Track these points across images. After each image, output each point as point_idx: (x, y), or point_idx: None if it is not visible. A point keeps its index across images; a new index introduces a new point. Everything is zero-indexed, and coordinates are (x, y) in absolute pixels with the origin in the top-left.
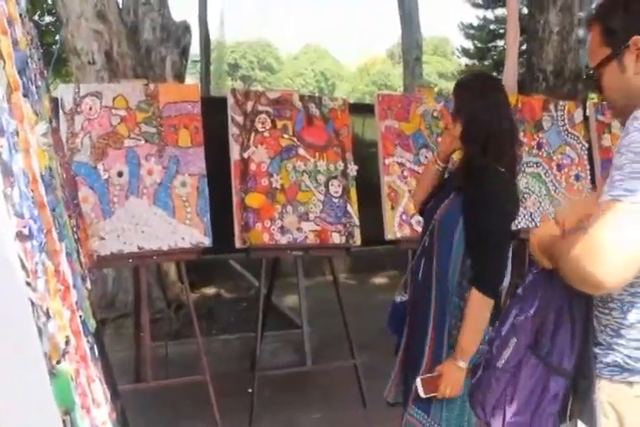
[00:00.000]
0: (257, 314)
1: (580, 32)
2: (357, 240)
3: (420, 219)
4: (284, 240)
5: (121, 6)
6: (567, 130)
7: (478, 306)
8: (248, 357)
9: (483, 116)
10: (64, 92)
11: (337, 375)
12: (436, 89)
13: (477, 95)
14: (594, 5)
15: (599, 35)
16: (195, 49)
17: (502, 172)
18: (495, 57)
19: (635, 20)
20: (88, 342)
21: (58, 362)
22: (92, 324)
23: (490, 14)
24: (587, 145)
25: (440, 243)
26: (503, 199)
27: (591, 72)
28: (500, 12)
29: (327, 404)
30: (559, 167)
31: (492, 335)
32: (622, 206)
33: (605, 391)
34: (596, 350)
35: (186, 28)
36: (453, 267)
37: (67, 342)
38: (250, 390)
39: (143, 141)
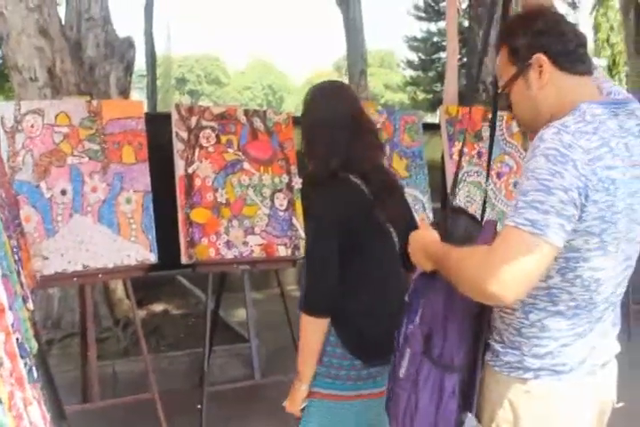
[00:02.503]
0: (205, 329)
1: None
2: (303, 252)
3: None
4: (230, 255)
5: (63, 22)
6: (506, 139)
7: (304, 326)
8: (197, 372)
9: (312, 130)
10: (4, 109)
11: (286, 388)
12: (382, 100)
13: (309, 110)
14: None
15: (506, 54)
16: (141, 64)
17: (343, 181)
18: (439, 68)
19: (535, 39)
20: (26, 364)
21: None
22: (33, 345)
23: (433, 27)
24: (524, 153)
25: None
26: (325, 212)
27: (500, 91)
28: (442, 24)
29: (277, 417)
30: (499, 175)
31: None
32: (522, 235)
33: (503, 386)
34: (498, 347)
35: (130, 43)
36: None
37: None
38: (199, 406)
39: (87, 159)
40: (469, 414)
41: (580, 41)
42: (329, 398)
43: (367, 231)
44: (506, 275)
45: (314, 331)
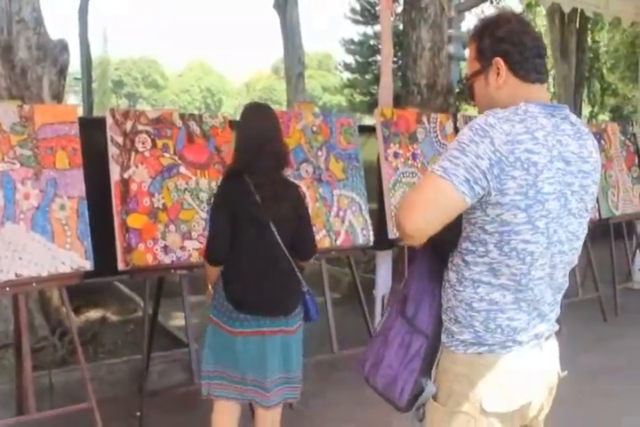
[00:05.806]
0: (143, 336)
1: (451, 48)
2: None
3: None
4: (167, 260)
5: None
6: (439, 141)
7: (206, 266)
8: (137, 380)
9: (235, 141)
10: None
11: None
12: (320, 102)
13: (237, 125)
14: (461, 24)
15: (474, 51)
16: (77, 66)
17: (233, 179)
18: (375, 71)
19: (498, 44)
20: None
21: None
22: None
23: (369, 30)
24: None
25: None
26: (218, 195)
27: (466, 81)
28: (379, 28)
29: None
30: None
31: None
32: (433, 177)
33: (460, 365)
34: (454, 328)
35: (63, 46)
36: None
37: None
38: (138, 414)
39: (18, 165)
40: (430, 382)
41: (539, 52)
42: (217, 325)
43: (246, 220)
44: (411, 210)
45: (211, 269)
